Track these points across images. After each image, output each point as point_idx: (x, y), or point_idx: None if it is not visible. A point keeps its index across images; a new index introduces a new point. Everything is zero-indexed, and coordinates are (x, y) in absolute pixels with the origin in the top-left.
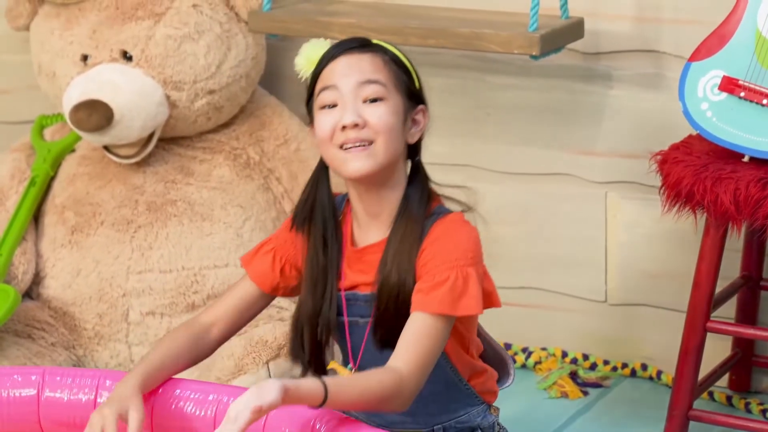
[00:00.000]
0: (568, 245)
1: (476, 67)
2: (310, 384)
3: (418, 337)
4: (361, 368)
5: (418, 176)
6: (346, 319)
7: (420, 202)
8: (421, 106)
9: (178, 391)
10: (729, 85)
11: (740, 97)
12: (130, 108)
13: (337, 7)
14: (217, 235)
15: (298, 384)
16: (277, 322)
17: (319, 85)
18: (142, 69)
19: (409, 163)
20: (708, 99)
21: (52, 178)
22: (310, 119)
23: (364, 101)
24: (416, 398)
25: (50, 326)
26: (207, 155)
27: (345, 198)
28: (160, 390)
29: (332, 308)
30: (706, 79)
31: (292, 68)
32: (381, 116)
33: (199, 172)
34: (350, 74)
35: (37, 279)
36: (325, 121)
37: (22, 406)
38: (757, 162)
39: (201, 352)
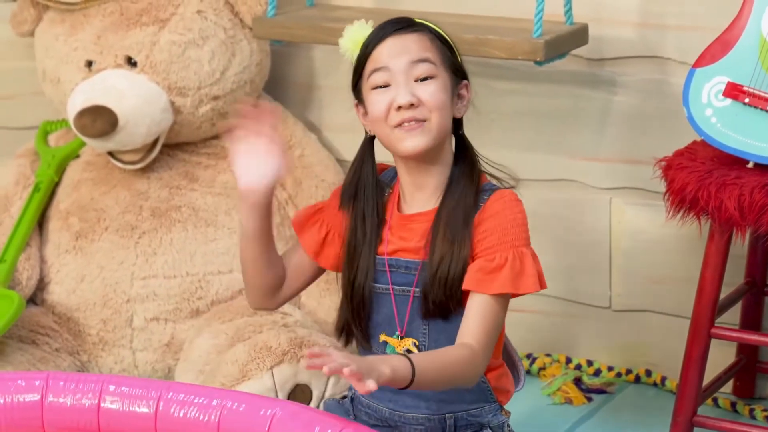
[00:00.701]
0: (572, 251)
1: (480, 73)
2: (404, 368)
3: (482, 315)
4: (407, 336)
5: (466, 150)
6: (391, 286)
7: (471, 176)
8: (465, 81)
9: (182, 395)
10: (733, 91)
11: (744, 103)
12: (134, 114)
13: (341, 13)
14: (221, 241)
15: (396, 369)
16: (281, 328)
17: (369, 67)
18: (147, 75)
19: (453, 138)
20: (712, 105)
21: (57, 184)
22: (356, 99)
23: (416, 80)
24: None
25: (54, 332)
26: (211, 161)
27: (395, 173)
28: (162, 394)
29: (369, 278)
30: (711, 85)
31: (297, 74)
32: (433, 94)
33: (203, 177)
34: (400, 55)
35: (42, 285)
36: (379, 101)
37: (25, 411)
38: (761, 168)
39: (279, 277)
